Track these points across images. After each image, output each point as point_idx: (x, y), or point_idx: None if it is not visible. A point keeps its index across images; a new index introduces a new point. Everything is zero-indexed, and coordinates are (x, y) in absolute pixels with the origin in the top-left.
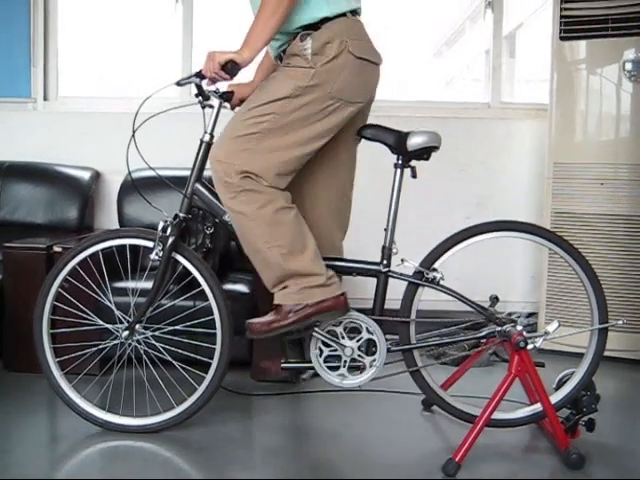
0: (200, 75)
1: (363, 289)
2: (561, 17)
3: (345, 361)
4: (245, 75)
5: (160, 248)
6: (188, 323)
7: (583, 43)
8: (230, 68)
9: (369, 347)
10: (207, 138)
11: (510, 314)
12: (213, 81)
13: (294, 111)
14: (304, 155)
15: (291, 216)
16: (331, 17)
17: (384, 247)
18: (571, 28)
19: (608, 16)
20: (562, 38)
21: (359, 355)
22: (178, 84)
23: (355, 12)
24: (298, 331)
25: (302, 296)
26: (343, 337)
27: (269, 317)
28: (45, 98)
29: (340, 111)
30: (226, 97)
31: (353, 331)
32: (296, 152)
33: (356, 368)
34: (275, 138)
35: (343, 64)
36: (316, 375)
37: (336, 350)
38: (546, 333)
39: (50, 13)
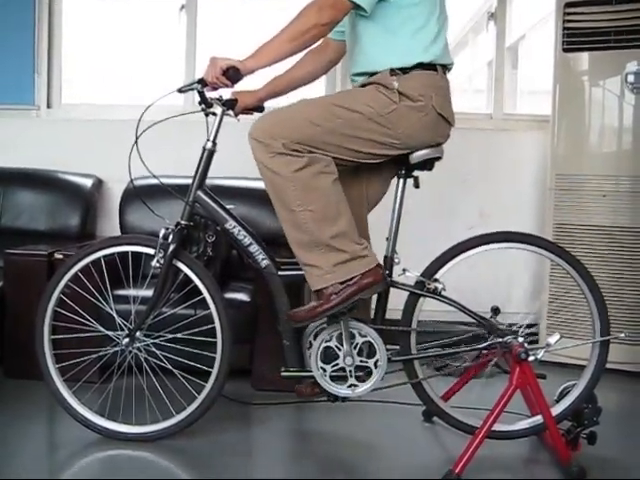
0: (202, 82)
1: None
2: (564, 29)
3: (350, 371)
4: (251, 83)
5: (161, 255)
6: (189, 331)
7: (586, 55)
8: (231, 74)
9: (369, 352)
10: (209, 146)
11: (511, 325)
12: (214, 87)
13: (360, 129)
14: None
15: (328, 182)
16: (425, 64)
17: (386, 257)
18: (574, 40)
19: (611, 28)
20: (565, 50)
21: (362, 360)
22: (180, 91)
23: (446, 68)
24: (342, 313)
25: (337, 274)
26: (340, 349)
27: (311, 304)
28: (49, 106)
29: (395, 150)
30: (229, 105)
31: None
32: (343, 155)
33: (363, 374)
34: (331, 138)
35: (423, 113)
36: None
37: (338, 364)
38: (547, 345)
39: (54, 21)
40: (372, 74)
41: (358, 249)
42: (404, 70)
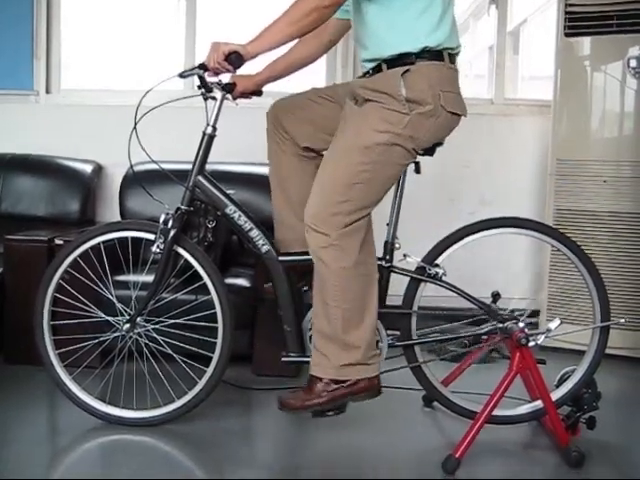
0: (203, 67)
1: None
2: (566, 13)
3: None
4: (250, 67)
5: (162, 241)
6: (189, 317)
7: (587, 40)
8: (234, 59)
9: None
10: (209, 130)
11: (512, 311)
12: (216, 72)
13: (391, 158)
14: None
15: (367, 284)
16: (431, 50)
17: (386, 242)
18: (576, 24)
19: (613, 12)
20: (567, 34)
21: None
22: (181, 76)
23: (454, 55)
24: (330, 410)
25: (339, 373)
26: None
27: (302, 394)
28: (47, 91)
29: (418, 153)
30: (229, 89)
31: None
32: (391, 184)
33: None
34: (375, 185)
35: (435, 117)
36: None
37: None
38: (548, 330)
39: (53, 6)
40: (381, 60)
41: (368, 356)
42: (410, 59)
